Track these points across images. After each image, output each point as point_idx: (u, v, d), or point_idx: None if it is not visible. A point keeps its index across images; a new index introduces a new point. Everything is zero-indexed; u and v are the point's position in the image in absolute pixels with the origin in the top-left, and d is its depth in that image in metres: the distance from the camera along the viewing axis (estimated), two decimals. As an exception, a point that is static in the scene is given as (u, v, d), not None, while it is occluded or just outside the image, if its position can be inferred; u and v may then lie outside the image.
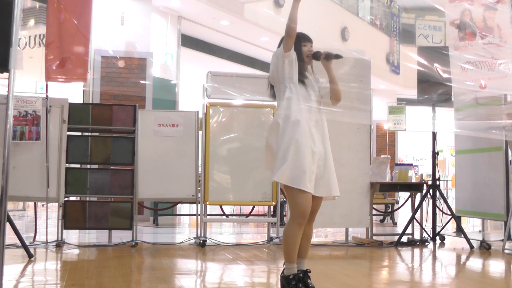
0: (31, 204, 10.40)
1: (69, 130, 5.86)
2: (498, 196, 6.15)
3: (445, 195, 8.95)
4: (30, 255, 4.87)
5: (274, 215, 7.03)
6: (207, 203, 6.14)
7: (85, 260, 5.00)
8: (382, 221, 9.79)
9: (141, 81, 8.73)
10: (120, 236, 6.18)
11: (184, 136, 6.20)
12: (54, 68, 5.62)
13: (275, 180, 3.29)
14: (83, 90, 8.87)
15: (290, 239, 3.29)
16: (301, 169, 3.19)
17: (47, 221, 6.16)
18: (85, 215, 5.87)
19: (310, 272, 3.39)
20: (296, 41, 3.39)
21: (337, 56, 3.43)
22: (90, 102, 8.42)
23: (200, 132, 6.25)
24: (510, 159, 6.16)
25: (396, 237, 6.31)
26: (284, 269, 3.37)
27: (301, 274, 3.34)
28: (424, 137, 10.15)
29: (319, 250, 5.80)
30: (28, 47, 11.32)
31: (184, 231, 8.02)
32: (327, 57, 3.43)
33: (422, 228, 6.46)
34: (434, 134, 6.51)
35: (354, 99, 5.98)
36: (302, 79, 3.39)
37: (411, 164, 7.45)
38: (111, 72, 8.71)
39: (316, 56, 3.46)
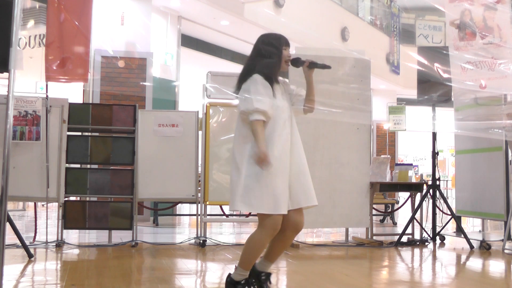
0: (31, 204, 10.40)
1: (69, 130, 5.86)
2: (498, 196, 6.15)
3: (445, 195, 8.95)
4: (30, 255, 4.87)
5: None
6: (207, 203, 6.14)
7: (85, 260, 5.00)
8: (382, 221, 9.79)
9: (142, 83, 8.74)
10: (120, 236, 6.18)
11: (184, 136, 6.20)
12: (54, 68, 5.61)
13: (236, 209, 3.14)
14: (83, 90, 8.87)
15: (256, 247, 3.15)
16: (272, 194, 3.04)
17: (47, 221, 6.16)
18: (85, 215, 5.87)
19: (271, 274, 3.30)
20: (278, 43, 3.25)
21: (324, 66, 3.27)
22: (90, 102, 8.42)
23: (200, 132, 6.25)
24: (510, 159, 6.16)
25: (396, 237, 6.31)
26: (232, 273, 3.25)
27: (263, 277, 3.25)
28: (424, 137, 10.16)
29: (319, 250, 5.80)
30: (28, 47, 11.32)
31: (184, 231, 8.02)
32: (311, 66, 3.27)
33: (422, 228, 6.46)
34: (434, 134, 6.50)
35: (354, 99, 5.98)
36: (272, 85, 3.18)
37: (411, 164, 7.45)
38: (111, 72, 8.71)
39: (296, 62, 3.29)
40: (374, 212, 7.53)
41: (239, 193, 3.10)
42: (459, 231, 6.44)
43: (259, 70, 3.20)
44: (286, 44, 3.30)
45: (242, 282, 3.21)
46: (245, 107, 3.12)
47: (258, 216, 3.17)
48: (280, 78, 3.34)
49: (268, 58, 3.23)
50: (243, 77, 3.25)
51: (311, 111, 3.34)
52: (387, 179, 6.96)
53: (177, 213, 10.05)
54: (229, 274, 3.27)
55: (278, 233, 3.19)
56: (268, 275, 3.28)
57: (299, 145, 3.25)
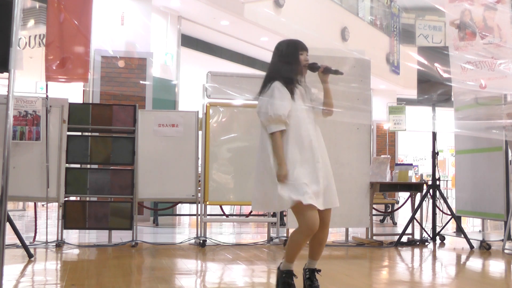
0: (31, 204, 10.40)
1: (69, 130, 5.86)
2: (498, 196, 6.15)
3: (445, 195, 8.95)
4: (30, 255, 4.87)
5: (274, 215, 7.03)
6: (207, 203, 6.13)
7: (85, 260, 5.00)
8: (382, 221, 9.79)
9: (141, 82, 8.74)
10: (120, 236, 6.18)
11: (184, 136, 6.20)
12: (54, 68, 5.61)
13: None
14: (83, 90, 8.87)
15: (295, 245, 3.33)
16: (304, 186, 3.20)
17: (47, 221, 6.16)
18: (85, 215, 5.87)
19: (319, 271, 3.46)
20: (295, 49, 3.38)
21: (337, 72, 3.40)
22: (90, 102, 8.42)
23: (200, 132, 6.25)
24: (510, 159, 6.16)
25: (396, 237, 6.31)
26: (281, 262, 3.45)
27: (308, 273, 3.43)
28: (424, 137, 10.16)
29: (319, 250, 5.79)
30: (28, 47, 11.32)
31: (184, 231, 8.02)
32: (326, 71, 3.40)
33: (422, 228, 6.46)
34: (434, 134, 6.51)
35: (354, 99, 5.98)
36: (293, 91, 3.34)
37: (411, 164, 7.45)
38: (111, 72, 8.71)
39: (312, 67, 3.41)
40: (374, 212, 7.53)
41: (266, 196, 3.31)
42: (459, 231, 6.44)
43: (278, 77, 3.35)
44: (303, 49, 3.42)
45: (284, 271, 3.39)
46: (264, 118, 3.30)
47: (296, 216, 3.30)
48: (303, 82, 3.46)
49: (286, 64, 3.37)
50: (265, 84, 3.40)
51: (330, 114, 3.49)
52: (387, 179, 6.96)
53: (177, 213, 10.05)
54: (281, 263, 3.46)
55: None
56: (313, 271, 3.44)
57: (323, 148, 3.40)
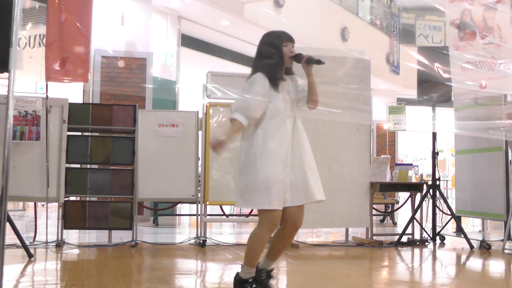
0: (31, 204, 10.40)
1: (69, 130, 5.86)
2: (498, 196, 6.15)
3: (445, 195, 8.95)
4: (30, 255, 4.87)
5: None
6: (207, 203, 6.13)
7: (85, 260, 5.00)
8: (382, 221, 9.78)
9: (142, 85, 8.74)
10: (120, 236, 6.18)
11: (184, 136, 6.20)
12: (54, 68, 5.61)
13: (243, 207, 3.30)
14: (83, 90, 8.87)
15: (257, 243, 3.20)
16: (265, 189, 3.09)
17: (47, 221, 6.16)
18: (85, 215, 5.87)
19: (273, 271, 3.33)
20: (278, 40, 3.31)
21: (319, 62, 3.30)
22: (90, 102, 8.42)
23: (200, 132, 6.25)
24: (510, 159, 6.16)
25: (396, 237, 6.31)
26: (239, 272, 3.29)
27: (264, 275, 3.27)
28: (424, 137, 10.17)
29: (319, 250, 5.80)
30: (28, 47, 11.33)
31: (184, 231, 8.02)
32: (308, 62, 3.30)
33: (422, 228, 6.46)
34: (434, 134, 6.50)
35: (354, 99, 5.98)
36: (278, 82, 3.24)
37: (411, 164, 7.45)
38: (111, 72, 8.71)
39: (297, 58, 3.33)
40: (374, 212, 7.53)
41: (239, 191, 3.22)
42: (459, 231, 6.44)
43: (261, 70, 3.26)
44: (288, 40, 3.34)
45: (249, 280, 3.25)
46: (233, 105, 3.23)
47: (258, 213, 3.22)
48: (290, 74, 3.38)
49: (269, 57, 3.29)
50: (249, 77, 3.33)
51: (314, 107, 3.37)
52: (387, 179, 6.96)
53: (177, 213, 10.05)
54: (237, 273, 3.31)
55: (278, 230, 3.25)
56: (269, 272, 3.30)
57: (303, 142, 3.27)
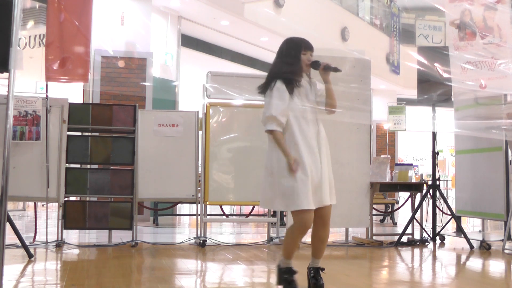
0: (31, 204, 10.40)
1: (69, 130, 5.86)
2: (498, 196, 6.15)
3: (445, 195, 8.95)
4: (30, 255, 4.87)
5: (274, 215, 7.03)
6: (207, 203, 6.13)
7: (85, 260, 5.00)
8: (382, 221, 9.79)
9: (142, 83, 8.74)
10: (120, 236, 6.18)
11: (184, 136, 6.20)
12: (54, 68, 5.61)
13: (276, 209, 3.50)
14: (83, 90, 8.87)
15: (289, 241, 3.43)
16: (293, 191, 3.26)
17: (47, 221, 6.16)
18: (85, 215, 5.87)
19: (323, 270, 3.50)
20: (297, 48, 3.43)
21: (336, 69, 3.45)
22: (90, 102, 8.42)
23: (200, 132, 6.25)
24: (510, 159, 6.16)
25: (396, 237, 6.31)
26: (280, 260, 3.51)
27: (312, 272, 3.48)
28: (424, 137, 10.15)
29: (319, 250, 5.79)
30: (28, 47, 11.33)
31: (184, 231, 8.02)
32: (326, 69, 3.45)
33: (422, 228, 6.46)
34: (434, 134, 6.50)
35: (354, 99, 5.98)
36: (296, 88, 3.40)
37: (411, 164, 7.45)
38: (111, 72, 8.71)
39: (315, 65, 3.46)
40: (374, 212, 7.53)
41: (281, 195, 3.33)
42: (459, 231, 6.44)
43: (279, 76, 3.40)
44: (306, 48, 3.46)
45: (284, 269, 3.46)
46: (262, 117, 3.38)
47: (292, 214, 3.37)
48: (308, 80, 3.52)
49: (286, 64, 3.43)
50: (268, 82, 3.44)
51: (332, 112, 3.52)
52: (387, 179, 6.96)
53: (177, 213, 10.05)
54: (280, 260, 3.53)
55: (312, 230, 3.46)
56: (317, 269, 3.49)
57: (326, 146, 3.46)
